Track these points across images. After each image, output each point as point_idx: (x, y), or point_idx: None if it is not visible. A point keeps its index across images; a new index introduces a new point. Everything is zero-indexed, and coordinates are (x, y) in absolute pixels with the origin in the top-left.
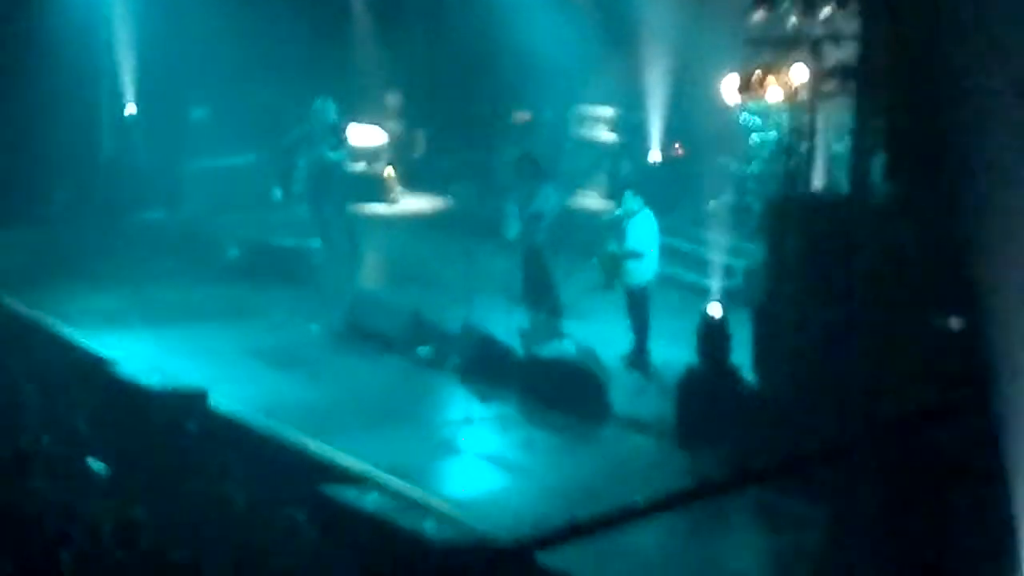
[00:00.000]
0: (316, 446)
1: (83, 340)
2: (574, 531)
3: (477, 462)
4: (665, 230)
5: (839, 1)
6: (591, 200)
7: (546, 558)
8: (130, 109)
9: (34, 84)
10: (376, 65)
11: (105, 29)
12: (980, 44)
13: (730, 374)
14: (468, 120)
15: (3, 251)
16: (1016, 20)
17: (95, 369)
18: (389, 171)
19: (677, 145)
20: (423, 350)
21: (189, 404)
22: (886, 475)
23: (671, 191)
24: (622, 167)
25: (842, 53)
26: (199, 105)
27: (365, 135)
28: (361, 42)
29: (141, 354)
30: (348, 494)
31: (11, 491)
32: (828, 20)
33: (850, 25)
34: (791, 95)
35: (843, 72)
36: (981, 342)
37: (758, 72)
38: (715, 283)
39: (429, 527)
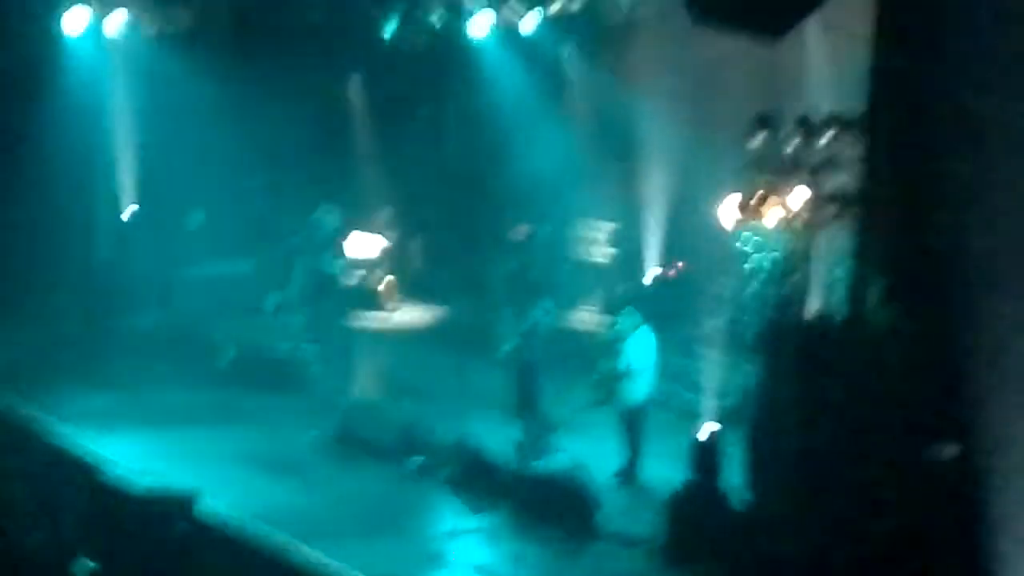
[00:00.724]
0: (306, 553)
1: (75, 441)
2: None
3: (465, 572)
4: (661, 349)
5: (840, 127)
6: (587, 317)
7: None
8: (127, 214)
9: (34, 186)
10: (376, 175)
11: (105, 135)
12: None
13: (722, 494)
14: (466, 233)
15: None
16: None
17: (85, 471)
18: (386, 281)
19: (675, 264)
20: (415, 461)
21: (177, 508)
22: None
23: (668, 310)
24: (619, 285)
25: (842, 179)
26: (196, 211)
27: (363, 245)
28: (361, 152)
29: (133, 456)
30: None
31: None
32: (828, 145)
33: (850, 151)
34: (790, 219)
35: (842, 198)
36: (973, 469)
37: (758, 195)
38: (710, 403)
39: None
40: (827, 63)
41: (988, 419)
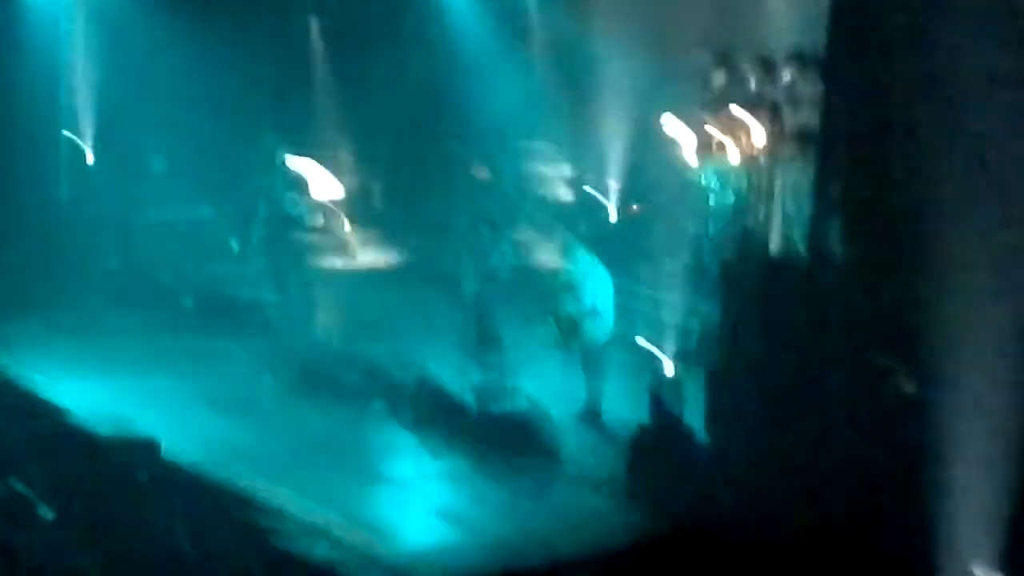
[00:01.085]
0: (268, 495)
1: (37, 386)
2: None
3: (427, 514)
4: (621, 290)
5: (800, 66)
6: (548, 257)
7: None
8: (89, 159)
9: None
10: (337, 117)
11: (66, 81)
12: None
13: (682, 433)
14: (427, 173)
15: None
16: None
17: (47, 417)
18: (348, 222)
19: (636, 203)
20: (375, 402)
21: (140, 453)
22: None
23: (630, 249)
24: (580, 223)
25: (803, 116)
26: (158, 156)
27: (324, 186)
28: (322, 94)
29: (95, 400)
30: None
31: None
32: (788, 84)
33: (810, 89)
34: (750, 158)
35: (803, 136)
36: (931, 403)
37: (719, 132)
38: (671, 342)
39: None
40: None
41: (945, 354)
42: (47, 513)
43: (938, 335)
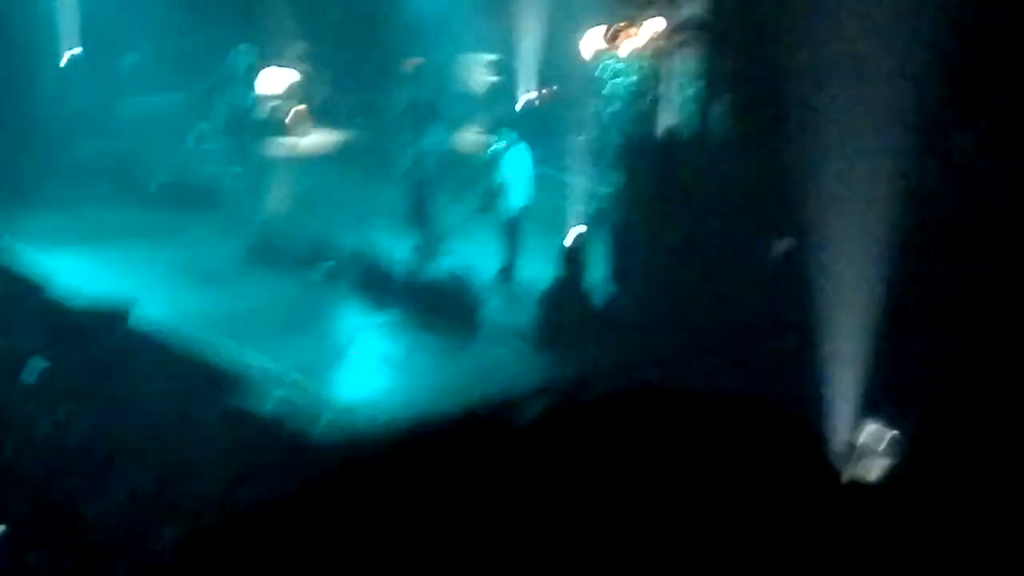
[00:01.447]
0: (227, 350)
1: (21, 257)
2: None
3: (368, 362)
4: (537, 163)
5: None
6: (472, 138)
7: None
8: (67, 58)
9: None
10: (288, 17)
11: None
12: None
13: (587, 288)
14: (368, 66)
15: None
16: None
17: (32, 287)
18: (297, 111)
19: (547, 89)
20: (322, 268)
21: (115, 317)
22: None
23: (539, 130)
24: (500, 108)
25: (693, 8)
26: (131, 53)
27: (277, 78)
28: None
29: (74, 270)
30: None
31: None
32: None
33: None
34: (649, 45)
35: (692, 26)
36: (806, 262)
37: (620, 25)
38: (578, 209)
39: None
40: None
41: (814, 217)
42: (39, 363)
43: (809, 199)
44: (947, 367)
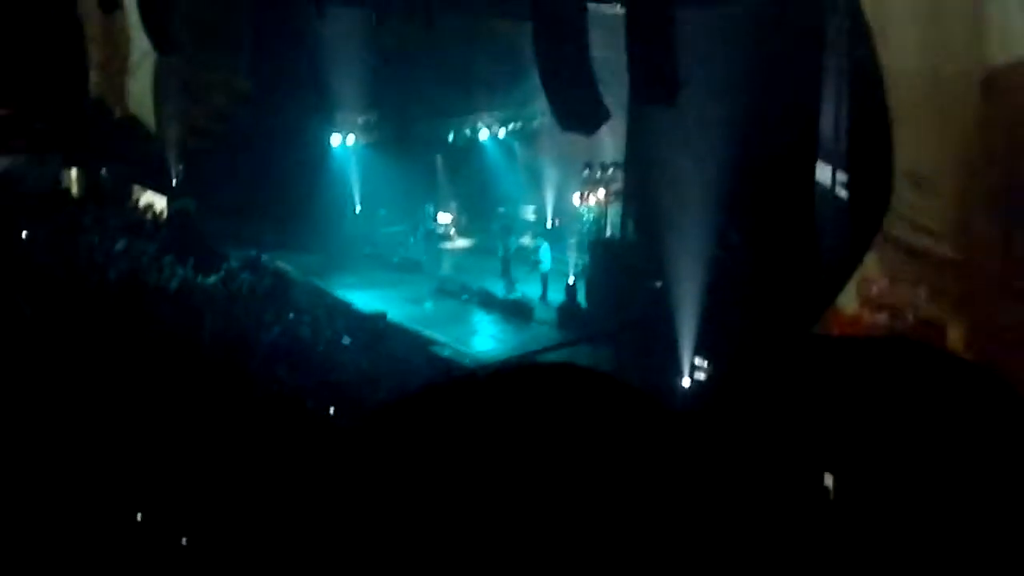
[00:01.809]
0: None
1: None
2: None
3: (476, 336)
4: (554, 256)
5: (615, 168)
6: (526, 241)
7: None
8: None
9: None
10: (451, 190)
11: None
12: None
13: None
14: (483, 210)
15: None
16: None
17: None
18: (453, 230)
19: (556, 220)
20: (464, 296)
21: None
22: None
23: (556, 237)
24: (540, 228)
25: (617, 184)
26: (384, 208)
27: (444, 217)
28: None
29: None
30: None
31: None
32: (613, 173)
33: (619, 178)
34: (598, 202)
35: (618, 192)
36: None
37: (585, 193)
38: (572, 266)
39: None
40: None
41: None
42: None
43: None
44: None
